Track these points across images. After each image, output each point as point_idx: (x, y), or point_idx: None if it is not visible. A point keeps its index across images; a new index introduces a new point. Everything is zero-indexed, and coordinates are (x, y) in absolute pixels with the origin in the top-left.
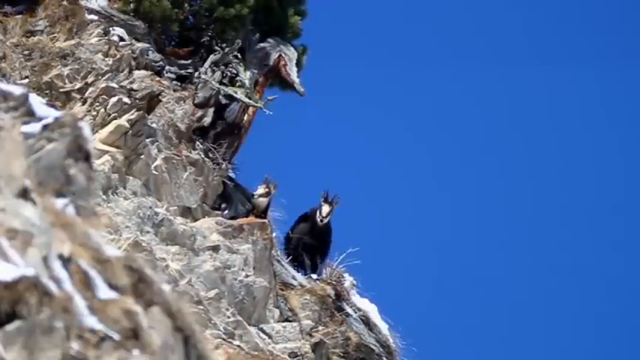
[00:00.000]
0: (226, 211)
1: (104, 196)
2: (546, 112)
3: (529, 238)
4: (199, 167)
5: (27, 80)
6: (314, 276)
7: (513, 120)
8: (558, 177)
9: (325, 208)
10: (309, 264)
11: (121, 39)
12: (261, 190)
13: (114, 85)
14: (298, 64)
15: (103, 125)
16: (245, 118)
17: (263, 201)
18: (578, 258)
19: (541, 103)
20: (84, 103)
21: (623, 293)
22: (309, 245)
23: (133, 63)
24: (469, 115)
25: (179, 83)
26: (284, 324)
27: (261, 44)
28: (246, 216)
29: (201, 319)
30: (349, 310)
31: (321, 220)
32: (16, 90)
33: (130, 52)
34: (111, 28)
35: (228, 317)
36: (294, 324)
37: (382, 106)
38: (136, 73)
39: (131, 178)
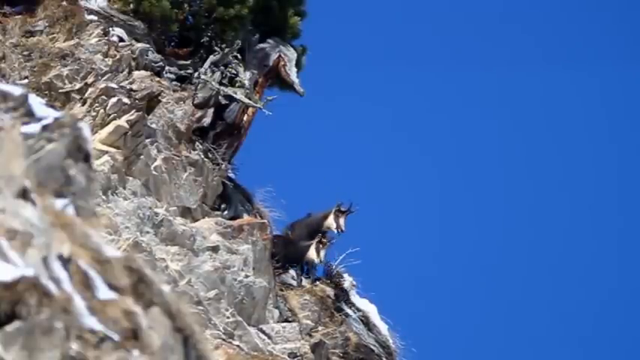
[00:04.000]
0: (226, 212)
1: (104, 197)
2: (547, 113)
3: (529, 238)
4: (199, 167)
5: (26, 80)
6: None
7: (513, 121)
8: (559, 178)
9: (342, 221)
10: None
11: (121, 39)
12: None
13: (113, 85)
14: (298, 64)
15: (103, 126)
16: (245, 118)
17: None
18: (577, 258)
19: (542, 104)
20: (83, 103)
21: (623, 295)
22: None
23: (133, 63)
24: (469, 115)
25: (179, 83)
26: (283, 324)
27: (261, 45)
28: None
29: (201, 319)
30: (349, 311)
31: (340, 232)
32: (16, 90)
33: (129, 52)
34: (110, 29)
35: (228, 317)
36: (294, 324)
37: (382, 106)
38: (136, 73)
39: (131, 178)
